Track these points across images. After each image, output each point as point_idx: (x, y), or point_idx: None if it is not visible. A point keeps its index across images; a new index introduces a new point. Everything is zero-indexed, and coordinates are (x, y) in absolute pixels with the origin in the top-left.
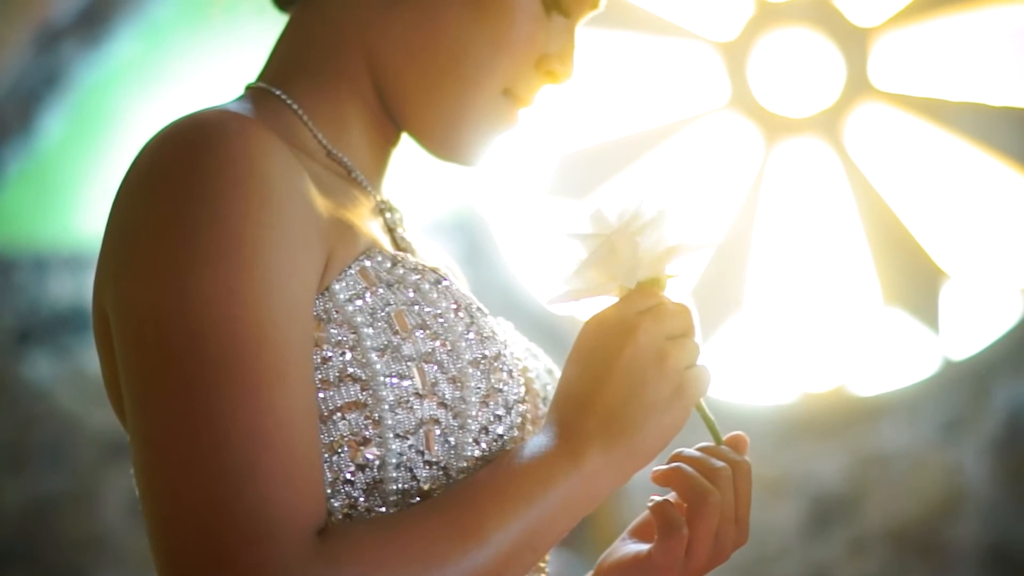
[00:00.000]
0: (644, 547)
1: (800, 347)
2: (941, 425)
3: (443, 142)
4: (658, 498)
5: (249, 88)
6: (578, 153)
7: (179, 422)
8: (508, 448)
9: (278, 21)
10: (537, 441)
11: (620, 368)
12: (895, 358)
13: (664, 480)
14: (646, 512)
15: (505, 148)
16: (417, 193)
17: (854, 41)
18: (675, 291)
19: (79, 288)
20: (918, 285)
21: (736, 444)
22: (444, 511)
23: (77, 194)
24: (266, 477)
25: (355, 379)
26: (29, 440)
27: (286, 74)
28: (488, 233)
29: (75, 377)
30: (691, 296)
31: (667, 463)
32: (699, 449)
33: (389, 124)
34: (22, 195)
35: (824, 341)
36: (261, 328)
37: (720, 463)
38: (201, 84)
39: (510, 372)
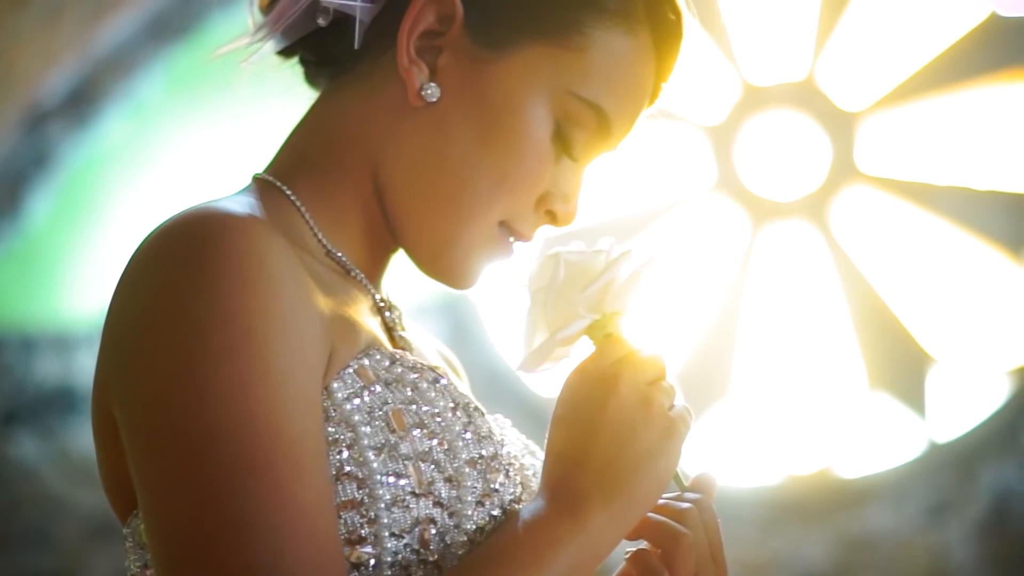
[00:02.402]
0: None
1: (785, 429)
2: (927, 508)
3: (432, 264)
4: (634, 548)
5: (256, 179)
6: (564, 236)
7: (201, 520)
8: (510, 515)
9: (275, 105)
10: (537, 505)
11: (607, 421)
12: (880, 441)
13: (634, 533)
14: (622, 565)
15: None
16: (403, 274)
17: (840, 125)
18: (641, 334)
19: (65, 369)
20: (904, 369)
21: (702, 484)
22: None
23: (64, 275)
24: (291, 568)
25: (352, 477)
26: (15, 520)
27: (293, 169)
28: (474, 314)
29: (61, 458)
30: (677, 379)
31: None
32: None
33: (388, 232)
34: (9, 275)
35: (810, 424)
36: (277, 422)
37: (685, 505)
38: (188, 166)
39: (507, 472)
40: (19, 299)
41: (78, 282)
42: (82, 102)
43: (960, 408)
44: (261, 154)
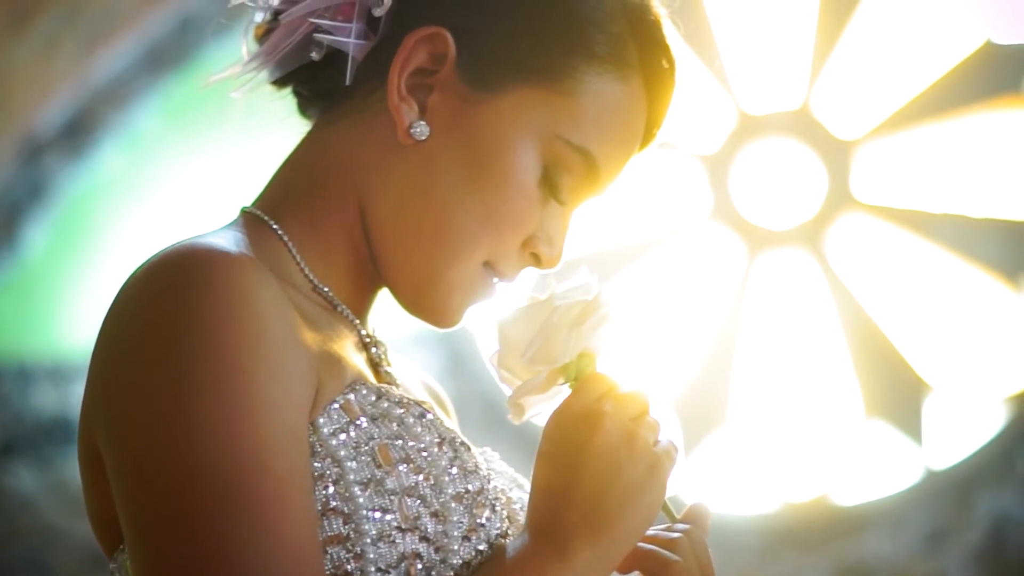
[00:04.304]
0: None
1: (783, 457)
2: (924, 535)
3: (415, 302)
4: None
5: (243, 212)
6: (561, 265)
7: (186, 556)
8: (497, 551)
9: (269, 137)
10: (523, 542)
11: (593, 457)
12: (877, 468)
13: (624, 563)
14: None
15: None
16: (398, 305)
17: (836, 153)
18: (623, 370)
19: (63, 400)
20: (901, 396)
21: (695, 515)
22: None
23: (61, 306)
24: None
25: (338, 512)
26: (13, 551)
27: (281, 204)
28: (471, 345)
29: (58, 489)
30: (674, 407)
31: None
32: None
33: (375, 268)
34: (6, 306)
35: (807, 451)
36: (262, 457)
37: (675, 534)
38: (185, 196)
39: (493, 507)
40: (16, 330)
41: (75, 313)
42: (78, 133)
43: (957, 435)
44: (257, 184)
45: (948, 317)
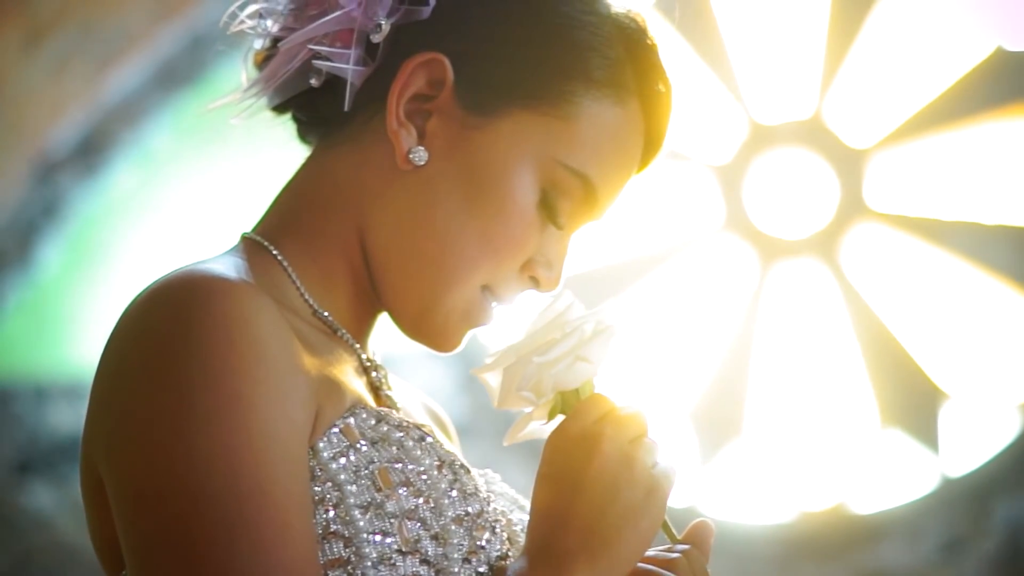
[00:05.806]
0: None
1: (799, 467)
2: (941, 543)
3: (414, 326)
4: None
5: (244, 238)
6: (573, 278)
7: None
8: (497, 573)
9: (273, 156)
10: (522, 565)
11: (591, 480)
12: (893, 476)
13: None
14: None
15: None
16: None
17: (848, 162)
18: (621, 393)
19: (78, 418)
20: (916, 405)
21: (697, 534)
22: None
23: (75, 324)
24: None
25: (338, 536)
26: (29, 570)
27: (281, 229)
28: (484, 358)
29: (75, 507)
30: (690, 417)
31: None
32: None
33: (375, 292)
34: (21, 326)
35: (823, 460)
36: (262, 484)
37: (674, 554)
38: (197, 214)
39: (493, 529)
40: (31, 349)
41: (89, 331)
42: (91, 152)
43: (973, 443)
44: (268, 202)
45: (963, 325)
